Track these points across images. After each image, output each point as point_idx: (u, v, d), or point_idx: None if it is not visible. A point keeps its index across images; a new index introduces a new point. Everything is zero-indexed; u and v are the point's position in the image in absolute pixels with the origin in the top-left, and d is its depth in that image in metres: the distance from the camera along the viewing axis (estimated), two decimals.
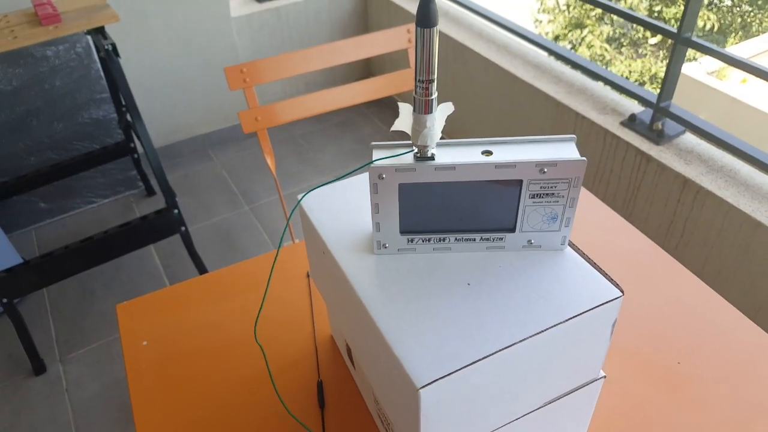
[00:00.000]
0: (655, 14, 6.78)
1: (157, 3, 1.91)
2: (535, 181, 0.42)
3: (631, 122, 1.42)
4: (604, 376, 0.47)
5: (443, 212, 0.44)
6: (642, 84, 6.63)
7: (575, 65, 1.60)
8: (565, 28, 7.16)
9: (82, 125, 1.85)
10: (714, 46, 1.24)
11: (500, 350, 0.38)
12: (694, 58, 4.90)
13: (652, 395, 0.59)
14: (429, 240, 0.46)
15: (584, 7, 6.90)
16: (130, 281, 1.74)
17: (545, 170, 0.41)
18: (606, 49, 6.84)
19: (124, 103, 1.54)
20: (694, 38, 1.26)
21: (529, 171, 0.41)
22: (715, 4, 6.86)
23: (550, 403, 0.46)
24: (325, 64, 1.19)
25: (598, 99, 1.53)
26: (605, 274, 0.43)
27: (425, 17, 0.36)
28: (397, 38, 1.22)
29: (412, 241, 0.46)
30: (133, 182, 2.07)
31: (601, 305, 0.41)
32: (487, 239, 0.45)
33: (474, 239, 0.45)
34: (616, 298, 0.41)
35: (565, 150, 0.41)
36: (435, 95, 0.39)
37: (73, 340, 1.58)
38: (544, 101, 1.60)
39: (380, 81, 1.23)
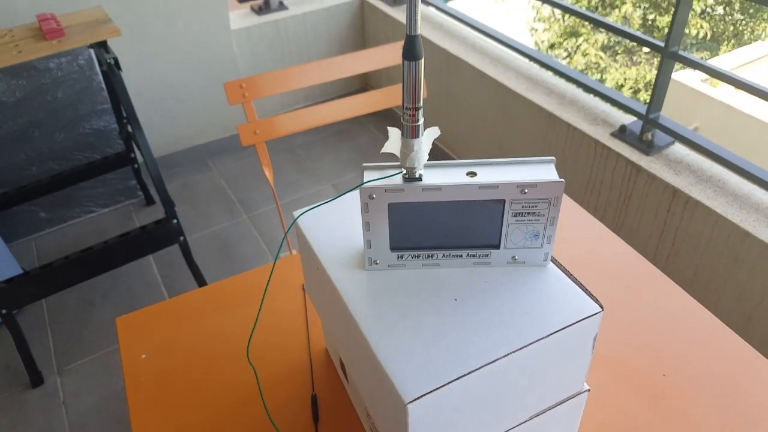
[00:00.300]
0: (649, 22, 6.86)
1: (159, 16, 1.94)
2: (517, 201, 0.44)
3: (621, 133, 1.44)
4: (588, 389, 0.49)
5: (431, 230, 0.46)
6: (637, 91, 6.68)
7: (567, 78, 1.62)
8: (561, 36, 7.23)
9: (83, 136, 1.87)
10: (699, 60, 1.27)
11: (485, 365, 0.40)
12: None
13: (638, 407, 0.60)
14: (418, 256, 0.48)
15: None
16: (129, 291, 1.76)
17: (526, 191, 0.43)
18: (601, 57, 6.91)
19: (125, 114, 1.56)
20: (681, 52, 1.29)
21: (511, 191, 0.43)
22: (708, 13, 6.95)
23: (535, 416, 0.47)
24: (323, 79, 1.21)
25: (589, 110, 1.56)
26: (586, 290, 0.45)
27: (411, 52, 0.38)
28: (393, 53, 1.25)
29: (402, 257, 0.48)
30: (132, 192, 2.09)
31: (581, 320, 0.43)
32: (474, 255, 0.47)
33: (461, 255, 0.47)
34: (596, 314, 0.43)
35: (544, 171, 0.43)
36: (421, 121, 0.41)
37: (71, 351, 1.59)
38: (537, 113, 1.63)
39: (377, 95, 1.26)
